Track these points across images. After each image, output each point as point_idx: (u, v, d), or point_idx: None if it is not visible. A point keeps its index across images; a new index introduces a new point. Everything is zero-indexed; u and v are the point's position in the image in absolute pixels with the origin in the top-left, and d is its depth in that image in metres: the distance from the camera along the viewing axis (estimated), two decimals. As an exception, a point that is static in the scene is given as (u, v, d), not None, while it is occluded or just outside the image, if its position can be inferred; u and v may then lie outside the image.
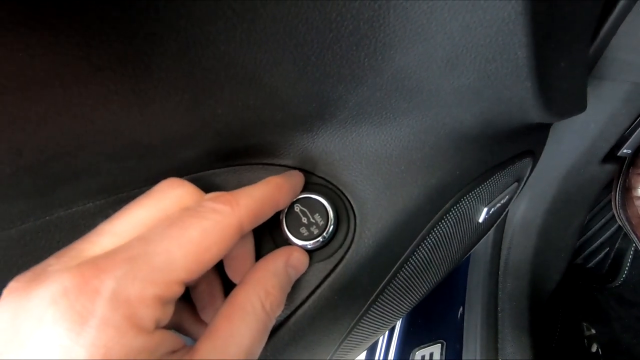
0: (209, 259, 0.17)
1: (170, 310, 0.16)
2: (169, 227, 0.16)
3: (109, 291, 0.14)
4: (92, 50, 0.14)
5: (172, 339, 0.16)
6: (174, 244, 0.16)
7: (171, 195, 0.18)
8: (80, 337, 0.13)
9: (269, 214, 0.20)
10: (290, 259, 0.21)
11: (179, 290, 0.16)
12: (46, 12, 0.13)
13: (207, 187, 0.21)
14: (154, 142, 0.19)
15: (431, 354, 0.58)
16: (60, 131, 0.16)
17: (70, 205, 0.21)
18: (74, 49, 0.14)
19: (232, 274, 0.21)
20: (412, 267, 0.28)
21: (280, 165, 0.24)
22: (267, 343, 0.23)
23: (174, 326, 0.22)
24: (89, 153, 0.18)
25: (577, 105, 0.29)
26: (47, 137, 0.16)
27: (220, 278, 0.22)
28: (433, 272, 0.32)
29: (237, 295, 0.19)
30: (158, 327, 0.16)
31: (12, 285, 0.15)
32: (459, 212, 0.29)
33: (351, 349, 0.31)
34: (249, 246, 0.22)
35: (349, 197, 0.24)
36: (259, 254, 0.22)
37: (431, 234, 0.27)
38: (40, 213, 0.20)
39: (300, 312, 0.24)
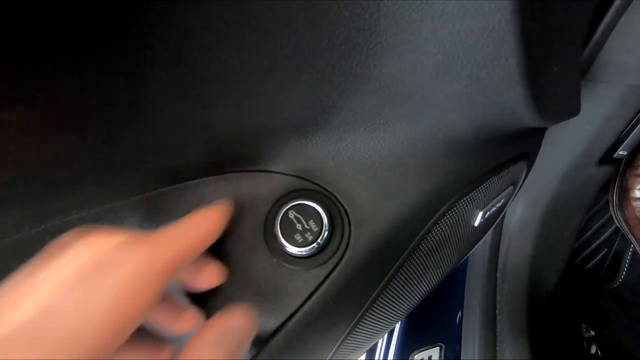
0: (129, 319, 0.15)
1: None
2: (75, 291, 0.14)
3: None
4: (85, 61, 0.14)
5: None
6: (81, 314, 0.14)
7: (81, 250, 0.16)
8: None
9: (197, 252, 0.19)
10: (227, 328, 0.19)
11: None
12: (37, 23, 0.13)
13: (200, 195, 0.21)
14: (147, 152, 0.19)
15: (430, 357, 0.58)
16: (55, 141, 0.16)
17: (65, 214, 0.21)
18: (66, 61, 0.14)
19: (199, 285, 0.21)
20: (408, 272, 0.28)
21: (274, 172, 0.24)
22: (262, 349, 0.23)
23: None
24: (83, 162, 0.18)
25: (571, 108, 0.29)
26: (42, 147, 0.16)
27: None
28: (429, 277, 0.32)
29: None
30: None
31: None
32: (454, 217, 0.29)
33: (348, 354, 0.30)
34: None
35: (343, 203, 0.24)
36: (254, 263, 0.22)
37: (426, 238, 0.27)
38: (35, 222, 0.20)
39: (295, 318, 0.23)
